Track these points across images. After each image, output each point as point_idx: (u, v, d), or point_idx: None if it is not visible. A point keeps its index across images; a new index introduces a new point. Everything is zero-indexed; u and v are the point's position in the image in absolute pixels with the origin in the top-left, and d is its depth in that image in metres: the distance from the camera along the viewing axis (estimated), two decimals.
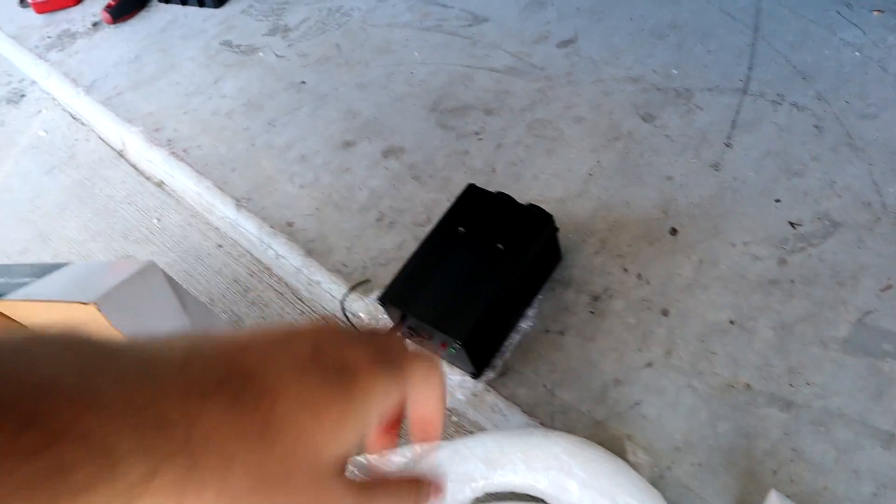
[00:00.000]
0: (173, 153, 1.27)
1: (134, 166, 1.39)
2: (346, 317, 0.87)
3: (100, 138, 1.49)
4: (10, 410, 0.23)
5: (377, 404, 0.32)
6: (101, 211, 1.33)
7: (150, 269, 0.71)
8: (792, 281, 0.84)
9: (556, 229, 0.85)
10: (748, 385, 0.76)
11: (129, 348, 0.28)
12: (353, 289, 0.88)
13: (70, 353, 0.26)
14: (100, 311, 0.65)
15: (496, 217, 0.85)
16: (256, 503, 0.28)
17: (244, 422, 0.27)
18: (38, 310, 0.76)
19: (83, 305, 0.65)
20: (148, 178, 1.34)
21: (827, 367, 0.75)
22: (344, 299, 0.88)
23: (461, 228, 0.84)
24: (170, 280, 0.75)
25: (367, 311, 0.90)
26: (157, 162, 1.31)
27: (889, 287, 0.80)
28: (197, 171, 1.21)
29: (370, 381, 0.31)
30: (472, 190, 0.88)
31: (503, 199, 0.87)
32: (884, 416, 0.71)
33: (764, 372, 0.77)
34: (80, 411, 0.24)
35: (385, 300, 0.81)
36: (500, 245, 0.82)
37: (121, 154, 1.43)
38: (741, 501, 0.69)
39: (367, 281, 0.90)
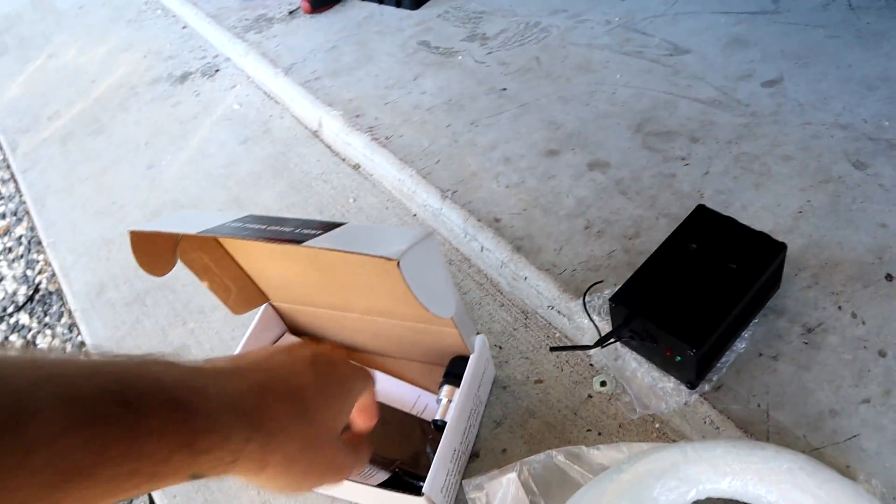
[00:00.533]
0: (375, 139, 1.35)
1: (329, 147, 1.48)
2: (586, 310, 0.92)
3: (294, 117, 1.60)
4: (164, 397, 0.38)
5: (356, 395, 0.55)
6: (295, 184, 1.43)
7: (432, 237, 0.77)
8: None
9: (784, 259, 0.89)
10: None
11: (206, 364, 0.44)
12: (590, 288, 0.94)
13: (175, 368, 0.41)
14: (399, 268, 0.71)
15: (727, 238, 0.89)
16: (303, 457, 0.46)
17: (294, 410, 0.46)
18: (338, 260, 0.83)
19: (386, 261, 0.71)
20: (343, 160, 1.44)
21: None
22: (585, 296, 0.94)
23: (693, 245, 0.89)
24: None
25: (592, 307, 0.95)
26: (356, 146, 1.40)
27: None
28: (400, 159, 1.29)
29: (352, 380, 0.54)
30: (701, 210, 0.93)
31: (733, 222, 0.91)
32: None
33: None
34: (201, 400, 0.40)
35: (616, 300, 0.86)
36: (732, 265, 0.86)
37: (315, 134, 1.53)
38: None
39: (600, 282, 0.95)
